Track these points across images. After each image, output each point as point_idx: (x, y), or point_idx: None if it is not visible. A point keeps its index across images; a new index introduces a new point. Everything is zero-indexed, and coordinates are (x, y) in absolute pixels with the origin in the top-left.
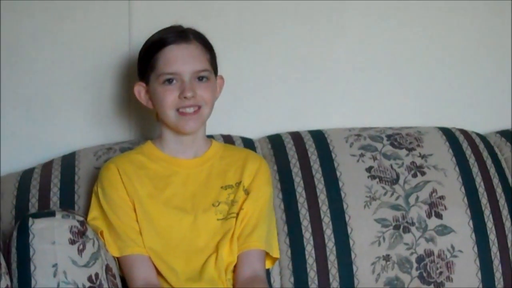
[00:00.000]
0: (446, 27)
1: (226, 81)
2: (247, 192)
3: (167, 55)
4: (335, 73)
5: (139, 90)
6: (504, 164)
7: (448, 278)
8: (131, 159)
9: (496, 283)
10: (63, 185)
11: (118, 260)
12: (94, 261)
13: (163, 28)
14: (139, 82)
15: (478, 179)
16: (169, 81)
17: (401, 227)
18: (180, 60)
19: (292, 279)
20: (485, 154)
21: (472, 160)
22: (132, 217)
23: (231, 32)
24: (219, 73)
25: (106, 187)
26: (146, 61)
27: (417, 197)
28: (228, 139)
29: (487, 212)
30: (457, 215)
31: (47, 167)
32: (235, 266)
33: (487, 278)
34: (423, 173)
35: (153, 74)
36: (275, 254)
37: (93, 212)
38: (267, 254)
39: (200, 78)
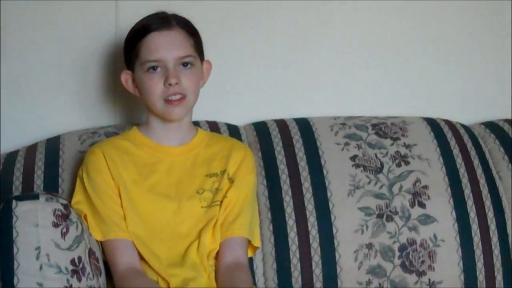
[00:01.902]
0: (433, 18)
1: (212, 68)
2: (231, 181)
3: (149, 42)
4: (321, 61)
5: (126, 78)
6: (487, 155)
7: (430, 267)
8: (116, 145)
9: (478, 273)
10: (47, 168)
11: (102, 244)
12: (77, 245)
13: (146, 16)
14: (126, 70)
15: (462, 170)
16: (153, 68)
17: (385, 215)
18: (162, 47)
19: (275, 266)
20: (469, 145)
21: (456, 151)
22: (117, 202)
23: (217, 19)
24: (205, 59)
25: (91, 171)
26: (130, 49)
27: (401, 186)
28: (213, 126)
29: (470, 202)
30: (440, 204)
31: (31, 150)
32: (217, 253)
33: (469, 268)
34: (407, 163)
35: (138, 62)
36: (257, 243)
37: (77, 196)
38: (249, 243)
39: (185, 64)
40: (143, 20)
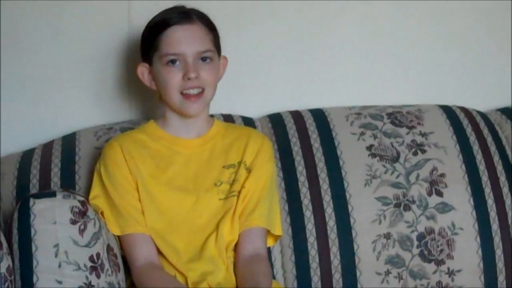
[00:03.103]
0: (446, 5)
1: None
2: (249, 170)
3: (170, 35)
4: (335, 52)
5: (142, 71)
6: (504, 142)
7: (449, 256)
8: (134, 138)
9: (497, 260)
10: (63, 165)
11: (119, 239)
12: (96, 241)
13: (165, 8)
14: (142, 63)
15: (479, 157)
16: (173, 62)
17: (402, 205)
18: (183, 41)
19: (293, 258)
20: (485, 131)
21: (472, 138)
22: (135, 196)
23: (232, 11)
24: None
25: (109, 165)
26: (149, 42)
27: (418, 175)
28: (228, 119)
29: (487, 189)
30: (458, 192)
31: (47, 147)
32: (236, 245)
33: (488, 256)
34: (423, 151)
35: (156, 55)
36: (278, 231)
37: (95, 191)
38: (269, 232)
39: (204, 59)
40: (163, 13)
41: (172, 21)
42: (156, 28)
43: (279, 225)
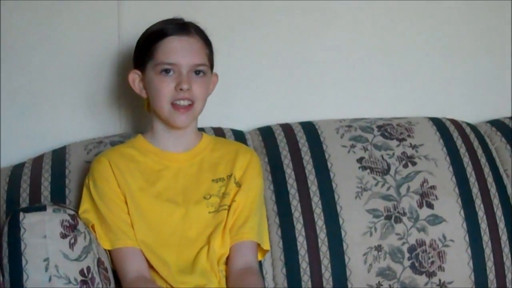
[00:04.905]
0: (436, 17)
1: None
2: (238, 185)
3: (167, 45)
4: (325, 64)
5: (134, 78)
6: (494, 154)
7: (440, 268)
8: (122, 153)
9: (488, 272)
10: (54, 179)
11: (110, 253)
12: (86, 255)
13: (162, 19)
14: (134, 69)
15: (469, 169)
16: (166, 71)
17: (393, 217)
18: (180, 51)
19: (284, 270)
20: (475, 143)
21: (462, 150)
22: (124, 210)
23: (221, 24)
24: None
25: (97, 180)
26: (145, 49)
27: (408, 187)
28: (218, 132)
29: (478, 201)
30: (448, 204)
31: (37, 161)
32: (227, 258)
33: (479, 267)
34: (414, 163)
35: (151, 63)
36: (266, 246)
37: (84, 205)
38: (258, 246)
39: (197, 72)
40: (161, 23)
41: (170, 31)
42: (153, 37)
43: (267, 240)
